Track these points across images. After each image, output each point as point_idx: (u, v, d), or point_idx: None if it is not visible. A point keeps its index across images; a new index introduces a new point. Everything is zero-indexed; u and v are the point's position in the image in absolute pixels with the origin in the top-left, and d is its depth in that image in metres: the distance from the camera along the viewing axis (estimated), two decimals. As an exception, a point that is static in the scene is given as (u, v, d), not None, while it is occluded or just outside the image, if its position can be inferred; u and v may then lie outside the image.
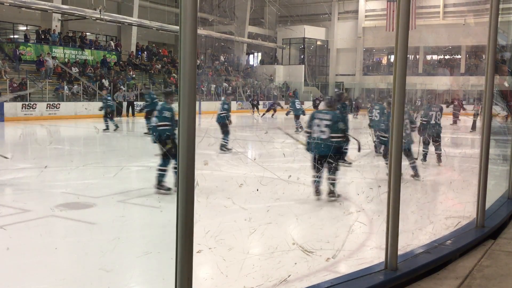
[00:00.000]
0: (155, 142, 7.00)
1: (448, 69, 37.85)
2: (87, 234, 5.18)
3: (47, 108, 21.49)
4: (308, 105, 25.96)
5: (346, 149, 6.93)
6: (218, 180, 7.64)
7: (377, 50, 41.63)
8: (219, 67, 35.83)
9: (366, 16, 41.29)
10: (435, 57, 40.44)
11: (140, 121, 23.01)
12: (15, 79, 21.52)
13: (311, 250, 4.31)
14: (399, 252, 3.35)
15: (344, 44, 41.82)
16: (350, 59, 42.09)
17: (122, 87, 24.84)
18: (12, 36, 27.20)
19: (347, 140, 6.99)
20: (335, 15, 42.38)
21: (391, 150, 3.21)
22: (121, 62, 28.83)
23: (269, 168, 8.67)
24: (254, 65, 43.31)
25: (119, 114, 24.11)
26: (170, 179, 6.80)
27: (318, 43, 42.75)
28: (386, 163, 6.98)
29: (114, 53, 29.00)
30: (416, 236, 4.72)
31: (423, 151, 9.84)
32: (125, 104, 24.41)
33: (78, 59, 26.18)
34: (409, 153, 7.89)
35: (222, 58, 37.38)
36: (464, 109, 25.18)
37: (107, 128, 15.91)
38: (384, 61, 42.11)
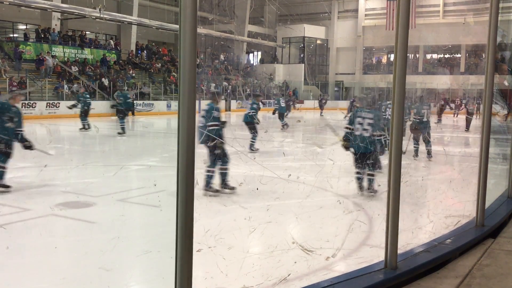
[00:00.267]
0: (202, 143, 6.85)
1: (448, 68, 37.84)
2: (87, 233, 5.18)
3: (46, 107, 21.48)
4: (308, 104, 25.89)
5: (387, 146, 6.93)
6: (218, 179, 7.63)
7: (377, 49, 41.61)
8: (219, 66, 35.81)
9: (366, 15, 41.28)
10: (435, 56, 40.43)
11: (140, 120, 23.03)
12: (15, 78, 21.50)
13: (311, 249, 4.31)
14: (399, 251, 3.35)
15: (344, 43, 41.80)
16: (350, 58, 42.08)
17: (122, 86, 24.83)
18: (11, 35, 27.18)
19: (387, 138, 7.12)
20: (335, 14, 42.36)
21: (391, 150, 3.21)
22: (120, 61, 28.81)
23: (269, 167, 8.67)
24: (254, 64, 43.30)
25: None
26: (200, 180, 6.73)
27: (318, 42, 42.74)
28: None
29: (113, 52, 28.99)
30: (416, 235, 4.72)
31: (414, 147, 10.19)
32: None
33: (77, 58, 26.17)
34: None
35: (222, 57, 37.37)
36: (451, 108, 25.31)
37: (83, 127, 15.62)
38: (384, 60, 42.09)
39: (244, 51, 41.01)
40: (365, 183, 6.89)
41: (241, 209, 5.72)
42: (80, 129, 15.58)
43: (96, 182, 7.83)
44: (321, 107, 28.95)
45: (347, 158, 10.69)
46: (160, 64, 31.07)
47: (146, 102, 26.52)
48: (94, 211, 5.99)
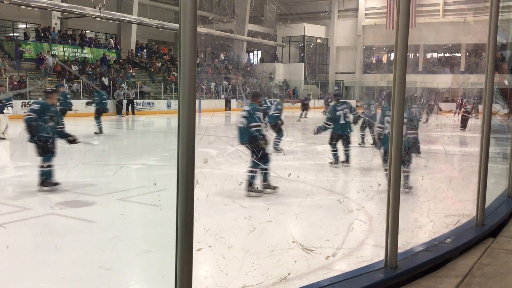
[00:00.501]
0: (242, 143, 6.89)
1: (448, 67, 37.84)
2: (87, 232, 5.18)
3: (46, 106, 21.45)
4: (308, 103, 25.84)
5: (419, 143, 7.34)
6: (218, 179, 7.64)
7: (377, 48, 41.61)
8: (219, 65, 35.81)
9: (366, 14, 41.26)
10: (435, 55, 40.42)
11: (140, 119, 23.03)
12: (15, 77, 21.50)
13: (311, 248, 4.31)
14: (399, 250, 3.35)
15: (344, 42, 41.80)
16: (350, 57, 42.07)
17: (122, 85, 24.84)
18: (11, 34, 27.17)
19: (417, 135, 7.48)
20: (335, 13, 42.35)
21: (391, 149, 3.21)
22: (120, 60, 28.81)
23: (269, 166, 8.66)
24: (254, 63, 43.30)
25: (120, 112, 24.13)
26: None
27: (318, 41, 42.72)
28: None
29: (113, 51, 28.99)
30: (416, 234, 4.72)
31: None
32: (125, 102, 24.43)
33: (77, 57, 26.16)
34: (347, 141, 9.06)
35: (222, 56, 37.36)
36: (440, 109, 25.29)
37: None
38: (384, 59, 42.08)
39: (244, 50, 41.00)
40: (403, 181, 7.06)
41: (241, 208, 5.72)
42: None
43: (96, 181, 7.83)
44: (305, 108, 26.64)
45: (347, 157, 10.68)
46: (160, 63, 31.06)
47: (146, 101, 26.52)
48: (94, 210, 5.99)
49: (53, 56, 24.41)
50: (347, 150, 9.40)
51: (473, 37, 34.57)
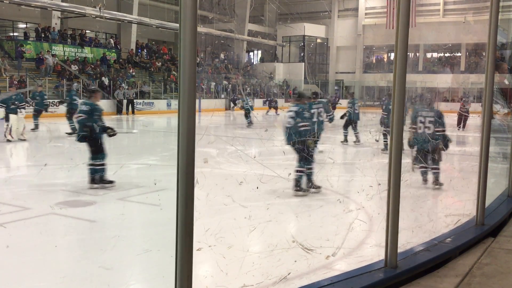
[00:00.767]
0: (288, 144, 6.97)
1: (448, 66, 37.83)
2: (87, 232, 5.18)
3: (46, 105, 21.43)
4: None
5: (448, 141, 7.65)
6: (218, 178, 7.64)
7: (377, 48, 41.61)
8: (219, 65, 35.80)
9: (366, 13, 41.24)
10: (435, 55, 40.41)
11: (140, 119, 23.03)
12: (15, 76, 21.49)
13: (311, 248, 4.31)
14: (399, 250, 3.35)
15: (344, 42, 41.78)
16: (350, 57, 42.06)
17: (122, 84, 24.83)
18: (11, 34, 27.16)
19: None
20: (335, 13, 42.33)
21: (391, 149, 3.21)
22: (120, 60, 28.80)
23: (269, 166, 8.66)
24: (254, 63, 43.29)
25: (120, 112, 24.14)
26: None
27: (318, 40, 42.71)
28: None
29: (113, 50, 28.98)
30: (416, 234, 4.72)
31: (384, 141, 11.23)
32: (125, 102, 24.43)
33: (77, 57, 26.15)
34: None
35: (222, 56, 37.35)
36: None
37: (36, 128, 14.95)
38: (384, 58, 42.07)
39: (244, 50, 40.99)
40: (429, 177, 7.43)
41: (241, 208, 5.72)
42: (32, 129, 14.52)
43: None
44: (272, 107, 27.00)
45: (348, 157, 10.69)
46: (160, 63, 31.06)
47: (146, 101, 26.52)
48: (94, 210, 5.99)
49: (53, 56, 24.40)
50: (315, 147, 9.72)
51: (473, 37, 34.56)
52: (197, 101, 2.21)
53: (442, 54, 39.89)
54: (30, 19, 26.97)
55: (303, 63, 40.64)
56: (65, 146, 12.76)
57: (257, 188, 6.75)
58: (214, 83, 31.86)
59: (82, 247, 4.68)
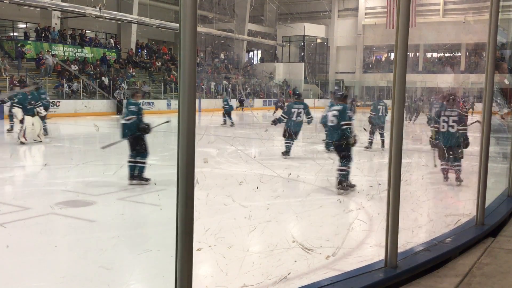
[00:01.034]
0: (330, 142, 7.19)
1: (449, 66, 37.84)
2: (87, 232, 5.18)
3: (46, 105, 21.43)
4: (308, 103, 25.76)
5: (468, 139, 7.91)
6: (218, 178, 7.64)
7: (377, 47, 41.61)
8: (219, 65, 35.80)
9: (366, 13, 41.24)
10: (435, 54, 40.41)
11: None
12: (15, 76, 21.48)
13: (311, 248, 4.31)
14: (399, 250, 3.35)
15: (344, 41, 41.78)
16: (350, 56, 42.06)
17: (122, 84, 24.83)
18: (11, 34, 27.16)
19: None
20: (335, 13, 42.33)
21: (391, 149, 3.21)
22: (120, 60, 28.80)
23: (269, 166, 8.66)
24: (255, 63, 43.29)
25: (120, 111, 24.13)
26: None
27: (318, 40, 42.70)
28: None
29: (113, 50, 28.98)
30: (416, 234, 4.72)
31: (369, 139, 11.66)
32: (125, 102, 24.42)
33: (77, 57, 26.15)
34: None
35: (222, 55, 37.35)
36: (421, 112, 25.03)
37: (11, 129, 13.84)
38: (384, 58, 42.07)
39: (244, 49, 40.99)
40: (450, 174, 7.67)
41: (241, 208, 5.71)
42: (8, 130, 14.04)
43: (96, 180, 7.83)
44: (279, 107, 26.35)
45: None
46: (160, 63, 31.06)
47: (146, 101, 26.51)
48: (94, 210, 5.99)
49: (53, 56, 24.40)
50: (289, 143, 10.46)
51: (473, 37, 34.55)
52: (197, 101, 2.21)
53: (442, 54, 39.89)
54: (30, 19, 26.97)
55: (303, 63, 40.65)
56: (65, 146, 12.78)
57: (257, 188, 6.75)
58: (214, 83, 31.86)
59: (82, 247, 4.68)
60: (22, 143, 11.44)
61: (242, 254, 4.23)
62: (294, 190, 7.22)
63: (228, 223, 5.08)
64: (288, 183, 7.49)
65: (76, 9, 25.82)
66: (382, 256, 3.32)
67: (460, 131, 7.61)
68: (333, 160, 9.63)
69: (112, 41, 30.09)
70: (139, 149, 7.27)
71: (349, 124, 7.06)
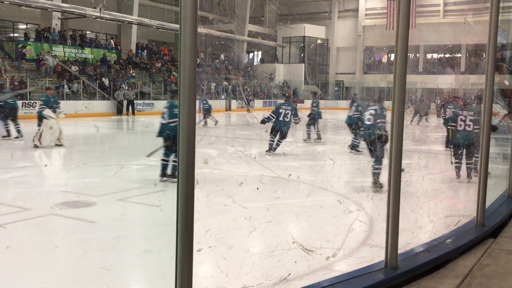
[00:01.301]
0: (365, 140, 7.50)
1: (449, 67, 37.85)
2: (87, 232, 5.18)
3: (47, 106, 21.43)
4: (308, 104, 25.79)
5: None
6: (218, 179, 7.64)
7: (377, 48, 41.59)
8: (219, 66, 35.81)
9: (366, 14, 41.26)
10: (435, 55, 40.41)
11: (141, 120, 23.03)
12: (16, 77, 21.49)
13: (311, 249, 4.31)
14: (399, 251, 3.35)
15: (344, 42, 41.80)
16: (350, 57, 42.05)
17: (122, 85, 24.84)
18: (12, 35, 27.17)
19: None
20: (335, 14, 42.34)
21: (391, 149, 3.21)
22: (121, 61, 28.80)
23: (269, 167, 8.66)
24: (255, 64, 43.30)
25: (120, 112, 24.15)
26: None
27: (318, 41, 42.71)
28: None
29: (114, 51, 28.98)
30: (416, 235, 4.72)
31: (353, 140, 11.80)
32: (125, 102, 24.44)
33: (78, 58, 26.16)
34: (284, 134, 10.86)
35: (222, 56, 37.36)
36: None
37: (8, 135, 12.94)
38: (384, 59, 42.07)
39: (244, 50, 41.00)
40: (462, 172, 7.99)
41: (242, 209, 5.71)
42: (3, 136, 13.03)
43: (96, 181, 7.83)
44: (248, 104, 28.78)
45: (348, 158, 10.69)
46: (160, 64, 31.06)
47: (146, 101, 26.54)
48: (94, 211, 5.99)
49: (53, 56, 24.41)
50: (280, 142, 10.89)
51: (473, 38, 34.57)
52: (197, 102, 2.22)
53: (442, 55, 39.89)
54: (30, 20, 26.98)
55: (303, 64, 40.64)
56: (65, 147, 12.77)
57: (257, 189, 6.75)
58: (214, 84, 31.87)
59: (82, 247, 4.68)
60: (36, 146, 11.07)
61: (242, 255, 4.23)
62: (294, 191, 7.22)
63: (228, 224, 5.08)
64: (288, 184, 7.49)
65: (76, 10, 25.83)
66: (382, 257, 3.32)
67: (476, 131, 7.85)
68: (333, 161, 9.63)
69: (112, 42, 30.10)
70: (173, 149, 7.50)
71: (384, 123, 7.39)
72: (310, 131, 13.68)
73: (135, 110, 24.92)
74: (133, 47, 30.88)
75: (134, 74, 27.85)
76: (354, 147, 11.38)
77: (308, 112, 13.98)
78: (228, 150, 11.10)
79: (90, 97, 24.31)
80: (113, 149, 13.17)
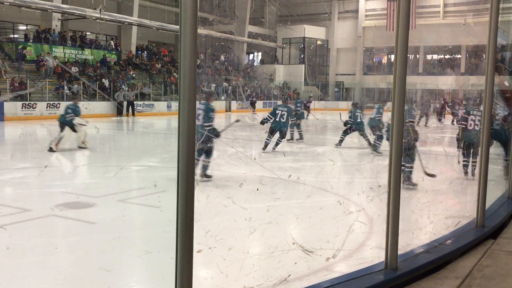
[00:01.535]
0: (388, 139, 7.52)
1: (449, 68, 37.86)
2: (87, 233, 5.18)
3: (47, 107, 21.48)
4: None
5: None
6: (218, 180, 7.64)
7: (377, 49, 41.61)
8: (219, 67, 35.82)
9: (366, 15, 41.28)
10: (435, 56, 40.43)
11: (141, 121, 23.05)
12: (16, 78, 21.50)
13: (311, 250, 4.31)
14: (399, 252, 3.35)
15: (344, 43, 41.82)
16: (350, 58, 42.08)
17: (122, 86, 24.84)
18: (12, 36, 27.18)
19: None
20: (335, 15, 42.36)
21: (391, 150, 3.21)
22: (121, 62, 28.82)
23: (269, 168, 8.67)
24: (256, 64, 43.32)
25: (120, 113, 24.15)
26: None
27: (318, 42, 42.74)
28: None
29: (114, 52, 28.99)
30: (416, 235, 4.72)
31: (341, 137, 12.58)
32: (125, 103, 24.44)
33: (78, 59, 26.17)
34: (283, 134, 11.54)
35: (222, 57, 37.38)
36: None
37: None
38: (384, 60, 42.09)
39: (244, 51, 41.02)
40: (469, 169, 8.22)
41: (242, 210, 5.71)
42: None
43: (96, 182, 7.83)
44: (253, 105, 29.75)
45: (348, 159, 10.70)
46: (160, 65, 31.08)
47: (146, 102, 26.54)
48: (94, 212, 5.99)
49: (54, 58, 24.41)
50: (279, 141, 11.40)
51: (473, 39, 34.58)
52: (197, 102, 2.22)
53: (442, 56, 39.91)
54: (30, 21, 26.99)
55: (303, 65, 40.67)
56: (65, 147, 12.77)
57: (257, 190, 6.76)
58: (214, 85, 31.88)
59: (82, 248, 4.68)
60: (52, 150, 10.84)
61: (242, 256, 4.23)
62: (294, 192, 7.22)
63: (228, 225, 5.08)
64: (288, 185, 7.49)
65: (76, 11, 25.85)
66: (382, 258, 3.32)
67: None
68: (333, 162, 9.63)
69: (112, 43, 30.11)
70: (207, 150, 7.59)
71: (413, 122, 7.62)
72: (293, 131, 13.99)
73: (135, 111, 24.92)
74: (133, 48, 30.90)
75: (134, 75, 27.86)
76: (375, 148, 11.59)
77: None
78: (228, 151, 11.10)
79: (90, 98, 24.31)
80: (113, 150, 13.17)
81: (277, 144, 11.31)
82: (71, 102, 12.00)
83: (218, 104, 30.16)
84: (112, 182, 7.71)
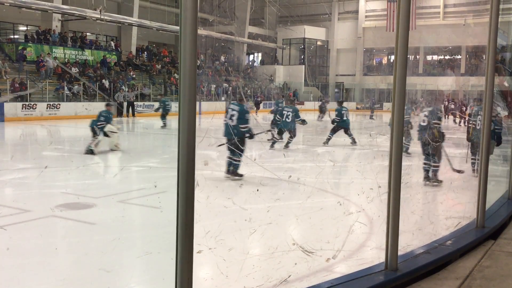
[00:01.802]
0: (419, 140, 8.03)
1: (449, 69, 37.86)
2: (87, 234, 5.18)
3: (47, 108, 21.49)
4: (308, 105, 25.84)
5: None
6: (218, 181, 7.64)
7: (377, 50, 41.62)
8: (219, 67, 35.82)
9: (366, 16, 41.29)
10: (435, 57, 40.43)
11: (141, 121, 23.04)
12: (16, 79, 21.51)
13: (311, 251, 4.30)
14: (399, 253, 3.35)
15: (344, 44, 41.81)
16: (350, 59, 42.09)
17: (122, 87, 24.84)
18: (12, 36, 27.19)
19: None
20: (335, 15, 42.38)
21: (391, 150, 3.21)
22: (121, 62, 28.83)
23: (269, 168, 8.67)
24: (256, 65, 43.33)
25: (120, 114, 24.15)
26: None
27: (318, 43, 42.75)
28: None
29: (114, 53, 29.00)
30: (416, 236, 4.72)
31: (329, 136, 13.12)
32: (125, 104, 24.45)
33: (78, 59, 26.18)
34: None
35: (222, 58, 37.39)
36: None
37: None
38: (384, 61, 42.09)
39: (244, 52, 41.03)
40: (477, 167, 8.23)
41: (242, 211, 5.71)
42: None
43: (97, 183, 7.83)
44: (257, 106, 30.05)
45: (348, 159, 10.70)
46: (160, 66, 31.08)
47: (146, 103, 26.54)
48: (94, 212, 5.99)
49: (54, 58, 24.42)
50: (291, 139, 11.98)
51: (473, 39, 34.58)
52: (197, 103, 2.22)
53: (442, 57, 39.91)
54: (30, 21, 27.00)
55: (304, 66, 40.68)
56: (65, 148, 12.78)
57: (258, 190, 6.76)
58: (214, 86, 31.88)
59: (82, 249, 4.68)
60: (92, 152, 10.79)
61: (242, 256, 4.23)
62: (294, 192, 7.22)
63: (229, 225, 5.08)
64: (288, 186, 7.49)
65: (76, 12, 25.86)
66: (382, 258, 3.32)
67: (496, 130, 8.11)
68: (333, 162, 9.64)
69: (112, 43, 30.13)
70: (238, 148, 7.74)
71: (439, 124, 7.80)
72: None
73: (135, 112, 24.92)
74: (133, 49, 30.91)
75: (134, 76, 27.87)
76: (405, 149, 11.63)
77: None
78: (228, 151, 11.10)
79: (90, 99, 24.32)
80: (113, 150, 13.15)
81: (288, 143, 11.90)
82: (104, 109, 11.78)
83: (219, 105, 30.21)
84: (112, 183, 7.71)
